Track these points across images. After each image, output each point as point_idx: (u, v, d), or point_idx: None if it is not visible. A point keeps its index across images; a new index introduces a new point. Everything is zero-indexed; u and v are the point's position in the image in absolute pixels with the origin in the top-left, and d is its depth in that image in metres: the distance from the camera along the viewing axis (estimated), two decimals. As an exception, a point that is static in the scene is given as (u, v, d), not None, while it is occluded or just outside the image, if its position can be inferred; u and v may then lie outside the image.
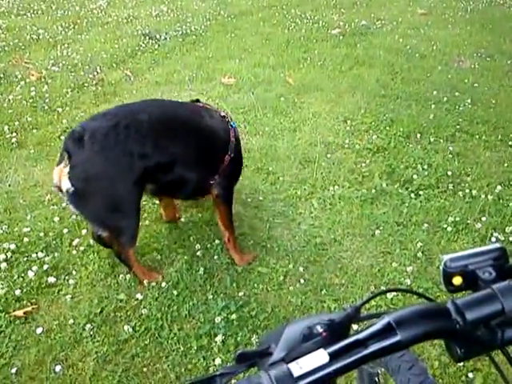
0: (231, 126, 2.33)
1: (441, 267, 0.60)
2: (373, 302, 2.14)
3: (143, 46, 5.42)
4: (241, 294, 2.18)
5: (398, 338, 0.51)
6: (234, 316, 2.04)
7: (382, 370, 1.17)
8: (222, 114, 2.35)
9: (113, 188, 2.00)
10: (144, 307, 2.12)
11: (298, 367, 0.48)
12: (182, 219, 2.69)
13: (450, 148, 3.35)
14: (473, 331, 0.54)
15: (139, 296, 2.17)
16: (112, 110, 2.15)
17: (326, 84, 4.50)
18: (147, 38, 5.64)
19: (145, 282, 2.21)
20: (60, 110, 3.86)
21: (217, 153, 2.28)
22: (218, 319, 2.03)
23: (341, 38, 5.76)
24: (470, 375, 1.82)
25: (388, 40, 5.69)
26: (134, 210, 2.10)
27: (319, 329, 0.54)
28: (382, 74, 4.68)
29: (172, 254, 2.42)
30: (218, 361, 1.87)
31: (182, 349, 1.94)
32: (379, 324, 0.52)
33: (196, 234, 2.55)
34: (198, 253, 2.42)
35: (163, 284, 2.22)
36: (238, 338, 1.96)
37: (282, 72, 4.77)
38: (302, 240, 2.56)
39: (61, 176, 1.94)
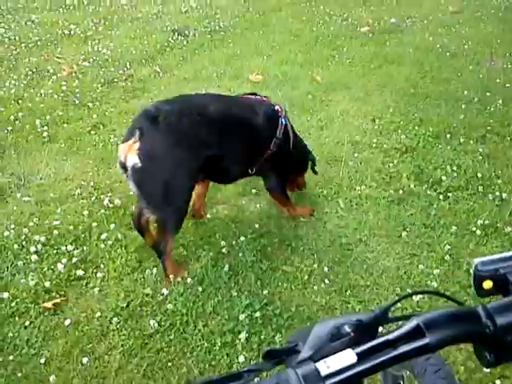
0: (282, 122, 2.42)
1: (471, 270, 0.60)
2: (398, 304, 2.12)
3: (172, 42, 5.47)
4: (265, 292, 2.19)
5: (426, 340, 0.50)
6: (257, 314, 2.05)
7: (407, 372, 1.16)
8: (276, 107, 2.45)
9: (177, 170, 2.06)
10: (169, 302, 2.15)
11: (325, 366, 0.49)
12: (208, 215, 2.71)
13: (480, 149, 3.28)
14: (503, 337, 0.53)
15: (165, 291, 2.20)
16: (179, 98, 2.25)
17: (354, 82, 4.46)
18: (176, 34, 5.68)
19: (170, 277, 2.23)
20: (90, 104, 3.93)
21: (258, 147, 2.39)
22: (242, 317, 2.04)
23: (370, 35, 5.70)
24: (498, 382, 1.79)
25: (418, 38, 5.60)
26: (187, 196, 2.16)
27: (347, 329, 0.54)
28: (411, 73, 4.61)
29: (198, 250, 2.44)
30: (241, 358, 1.88)
31: (206, 345, 1.96)
32: (408, 326, 0.52)
33: (222, 231, 2.57)
34: (224, 250, 2.44)
35: (188, 280, 2.24)
36: (262, 337, 1.96)
37: (309, 69, 4.75)
38: (328, 240, 2.55)
39: (128, 152, 1.99)
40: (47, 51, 5.05)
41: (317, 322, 0.56)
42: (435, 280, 2.28)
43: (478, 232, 2.56)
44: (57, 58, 4.92)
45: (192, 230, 2.59)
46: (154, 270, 2.31)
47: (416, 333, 0.51)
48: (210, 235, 2.53)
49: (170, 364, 1.90)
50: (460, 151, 3.29)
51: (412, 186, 2.93)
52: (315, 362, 0.50)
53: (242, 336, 1.96)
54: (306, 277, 2.30)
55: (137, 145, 1.97)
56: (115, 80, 4.42)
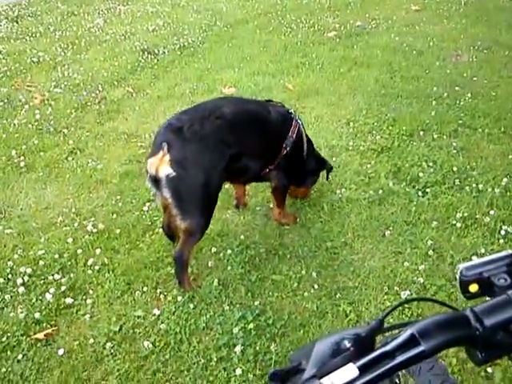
0: (296, 120, 2.56)
1: (457, 276, 0.63)
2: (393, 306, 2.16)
3: (142, 61, 5.47)
4: (256, 303, 2.21)
5: (422, 348, 0.53)
6: (251, 325, 2.07)
7: (403, 371, 1.19)
8: (290, 110, 2.58)
9: (209, 172, 2.17)
10: (162, 322, 2.15)
11: (329, 382, 0.51)
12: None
13: (454, 144, 3.36)
14: (492, 336, 0.56)
15: (156, 311, 2.20)
16: (194, 107, 2.39)
17: (325, 87, 4.52)
18: (146, 53, 5.69)
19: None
20: (65, 131, 3.91)
21: (275, 144, 2.50)
22: (235, 330, 2.05)
23: (337, 40, 5.79)
24: (489, 370, 1.84)
25: (384, 39, 5.71)
26: (216, 199, 2.29)
27: (347, 344, 0.56)
28: (380, 74, 4.70)
29: (186, 268, 2.45)
30: (238, 371, 1.89)
31: (202, 361, 1.97)
32: (403, 336, 0.54)
33: (208, 246, 2.58)
34: (211, 264, 2.45)
35: (179, 298, 2.25)
36: (257, 347, 1.98)
37: (281, 78, 4.80)
38: (313, 245, 2.59)
39: (160, 164, 2.07)
40: (17, 80, 5.01)
41: (318, 340, 0.59)
42: (421, 275, 2.33)
43: (458, 225, 2.62)
44: (27, 86, 4.88)
45: (178, 247, 2.60)
46: (145, 291, 2.31)
47: (411, 342, 0.54)
48: (196, 251, 2.54)
49: (167, 384, 1.90)
50: (434, 147, 3.36)
51: (391, 184, 2.99)
52: (319, 379, 0.52)
53: (238, 349, 1.97)
54: (296, 284, 2.32)
55: (167, 156, 2.07)
56: (88, 104, 4.41)
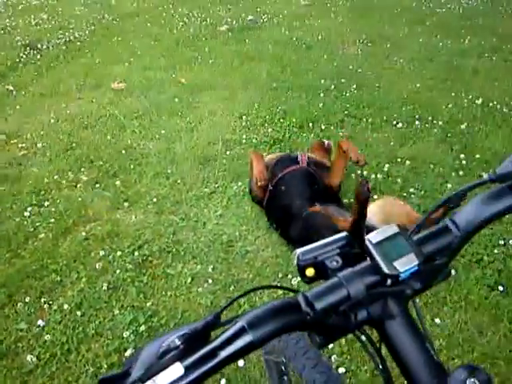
0: None
1: (294, 261, 0.62)
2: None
3: (24, 57, 5.13)
4: (149, 304, 2.14)
5: (250, 338, 0.52)
6: (142, 328, 2.00)
7: (294, 371, 1.18)
8: None
9: None
10: (47, 333, 2.02)
11: None
12: (83, 233, 2.58)
13: (340, 133, 3.50)
14: (324, 320, 0.57)
15: (41, 322, 2.07)
16: None
17: (218, 81, 4.52)
18: (28, 48, 5.34)
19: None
20: None
21: None
22: (126, 334, 1.97)
23: (229, 34, 5.81)
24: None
25: (275, 33, 5.82)
26: None
27: (177, 342, 0.53)
28: (272, 68, 4.78)
29: (72, 273, 2.32)
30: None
31: (91, 370, 1.87)
32: (232, 329, 0.53)
33: (97, 249, 2.46)
34: (100, 268, 2.34)
35: (65, 306, 2.12)
36: (149, 349, 1.92)
37: (173, 73, 4.72)
38: (208, 240, 2.56)
39: None
40: None
41: (148, 341, 0.55)
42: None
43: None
44: None
45: (65, 252, 2.46)
46: (27, 300, 2.16)
47: (240, 334, 0.52)
48: (84, 255, 2.42)
49: (54, 398, 1.79)
50: (323, 137, 3.47)
51: (282, 175, 3.04)
52: (144, 382, 0.49)
53: (129, 353, 1.90)
54: (190, 280, 2.29)
55: None
56: (-38, 103, 4.05)
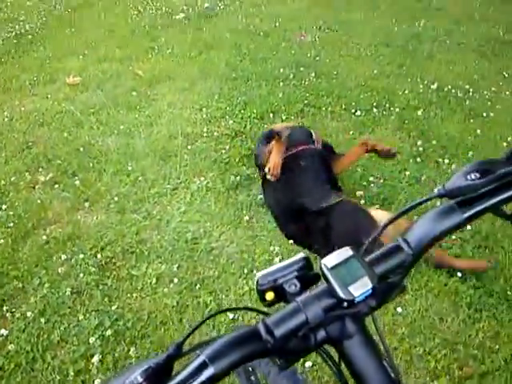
0: None
1: (254, 285, 0.63)
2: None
3: (-29, 51, 4.92)
4: (114, 307, 2.12)
5: (212, 372, 0.52)
6: (109, 332, 1.98)
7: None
8: None
9: None
10: (11, 342, 1.98)
11: None
12: (44, 237, 2.52)
13: (301, 123, 3.52)
14: (284, 345, 0.57)
15: (4, 332, 2.02)
16: None
17: (177, 72, 4.45)
18: (-25, 41, 5.12)
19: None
20: None
21: None
22: (92, 339, 1.95)
23: (186, 22, 5.72)
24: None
25: (232, 21, 5.76)
26: None
27: (139, 379, 0.53)
28: (230, 57, 4.74)
29: (34, 279, 2.27)
30: (97, 382, 1.81)
31: (58, 378, 1.85)
32: (194, 363, 0.53)
33: (58, 253, 2.41)
34: (62, 271, 2.30)
35: (29, 314, 2.08)
36: (116, 354, 1.91)
37: (130, 64, 4.63)
38: (173, 238, 2.54)
39: None
40: None
41: (110, 380, 0.54)
42: (277, 256, 2.41)
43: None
44: None
45: (25, 257, 2.40)
46: (-12, 312, 2.11)
47: (202, 367, 0.53)
48: (45, 259, 2.37)
49: (20, 410, 1.76)
50: (284, 128, 3.48)
51: (245, 168, 3.04)
52: None
53: (96, 359, 1.88)
54: (155, 281, 2.27)
55: None
56: None
